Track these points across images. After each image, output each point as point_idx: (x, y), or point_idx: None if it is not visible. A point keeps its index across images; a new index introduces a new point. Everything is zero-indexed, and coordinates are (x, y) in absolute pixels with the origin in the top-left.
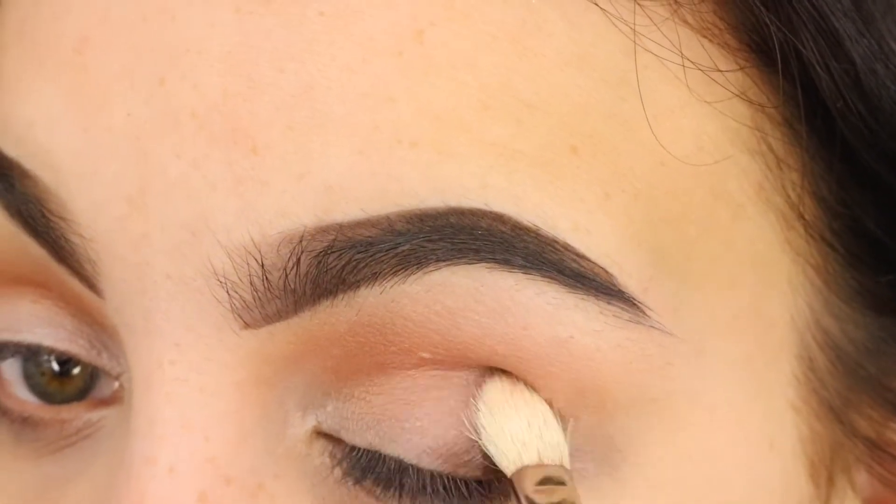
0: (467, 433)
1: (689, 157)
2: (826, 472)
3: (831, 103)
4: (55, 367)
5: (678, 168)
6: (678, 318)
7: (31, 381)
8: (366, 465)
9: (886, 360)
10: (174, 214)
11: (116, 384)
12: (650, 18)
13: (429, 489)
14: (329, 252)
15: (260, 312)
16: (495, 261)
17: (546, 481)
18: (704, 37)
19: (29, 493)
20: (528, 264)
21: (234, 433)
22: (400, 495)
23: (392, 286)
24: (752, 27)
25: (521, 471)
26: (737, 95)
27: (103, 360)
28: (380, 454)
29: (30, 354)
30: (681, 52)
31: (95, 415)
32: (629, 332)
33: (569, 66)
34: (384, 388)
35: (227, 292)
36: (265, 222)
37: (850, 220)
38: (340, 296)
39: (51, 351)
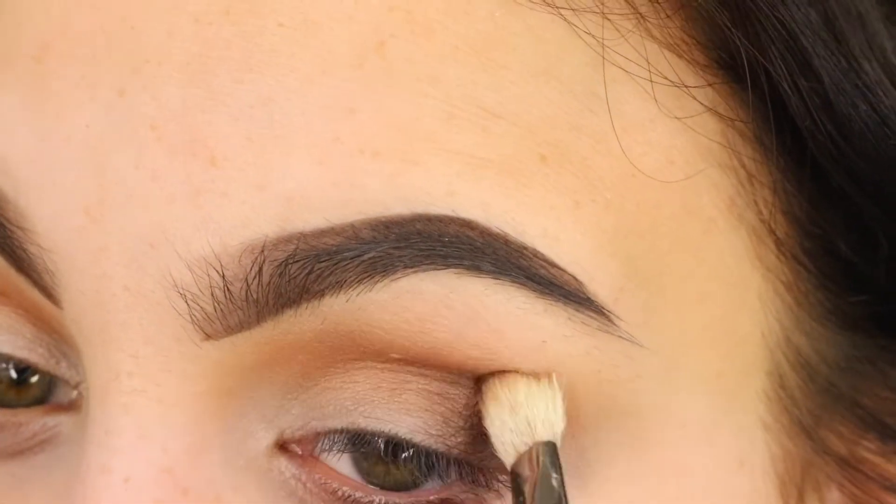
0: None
1: (659, 170)
2: (796, 490)
3: (800, 122)
4: (13, 374)
5: (649, 181)
6: (649, 330)
7: None
8: (348, 442)
9: (859, 378)
10: (132, 226)
11: (75, 393)
12: (618, 31)
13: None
14: (291, 261)
15: (221, 324)
16: (464, 267)
17: (529, 464)
18: (673, 53)
19: None
20: (498, 270)
21: (192, 444)
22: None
23: (358, 294)
24: (721, 44)
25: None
26: (707, 110)
27: (62, 370)
28: (365, 431)
29: None
30: (648, 67)
31: (52, 419)
32: (598, 341)
33: (535, 77)
34: (360, 375)
35: (188, 304)
36: (225, 233)
37: (823, 240)
38: (304, 305)
39: (9, 358)
